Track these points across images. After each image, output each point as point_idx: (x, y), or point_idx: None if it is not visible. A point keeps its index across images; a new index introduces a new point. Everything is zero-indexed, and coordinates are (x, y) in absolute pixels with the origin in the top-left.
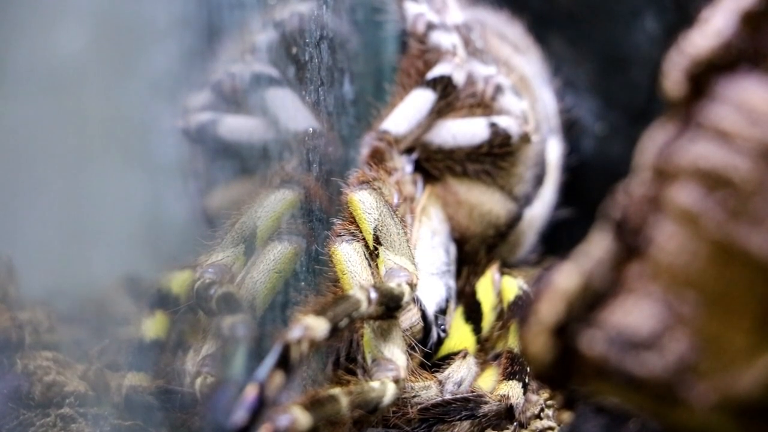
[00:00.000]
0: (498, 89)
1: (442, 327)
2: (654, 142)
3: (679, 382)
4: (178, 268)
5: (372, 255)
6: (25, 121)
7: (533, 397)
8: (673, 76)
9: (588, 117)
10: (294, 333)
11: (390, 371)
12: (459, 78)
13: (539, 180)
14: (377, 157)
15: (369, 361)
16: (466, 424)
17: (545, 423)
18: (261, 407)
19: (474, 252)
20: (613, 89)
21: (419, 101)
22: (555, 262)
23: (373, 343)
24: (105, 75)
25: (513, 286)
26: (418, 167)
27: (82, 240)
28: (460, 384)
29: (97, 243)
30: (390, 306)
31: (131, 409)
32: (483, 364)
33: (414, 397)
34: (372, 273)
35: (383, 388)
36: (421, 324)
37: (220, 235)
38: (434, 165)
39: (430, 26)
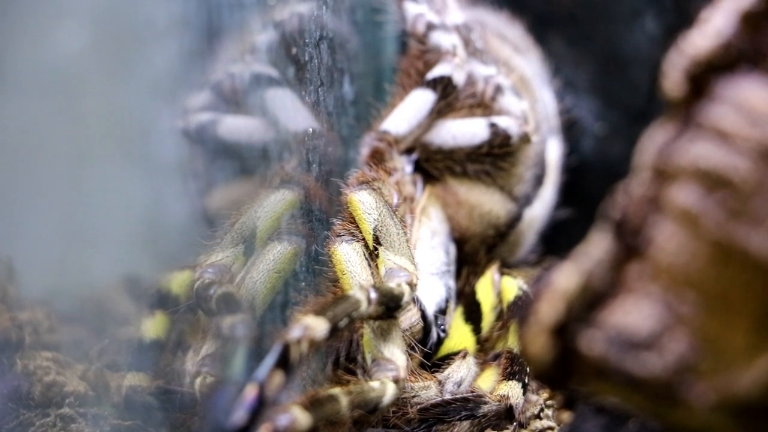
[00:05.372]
0: (498, 89)
1: (442, 327)
2: (654, 142)
3: (678, 382)
4: (178, 269)
5: (372, 255)
6: (25, 121)
7: (533, 397)
8: (673, 77)
9: (588, 117)
10: (294, 333)
11: (390, 371)
12: (459, 78)
13: (539, 180)
14: (377, 158)
15: (369, 361)
16: (465, 424)
17: (545, 423)
18: (261, 407)
19: (474, 252)
20: (613, 89)
21: (419, 101)
22: (555, 262)
23: (373, 343)
24: (105, 75)
25: (513, 286)
26: (418, 167)
27: (82, 240)
28: (459, 384)
29: (97, 243)
30: (390, 306)
31: (131, 409)
32: (483, 365)
33: (414, 397)
34: (372, 273)
35: (383, 388)
36: (421, 324)
37: (220, 235)
38: (434, 165)
39: (430, 27)
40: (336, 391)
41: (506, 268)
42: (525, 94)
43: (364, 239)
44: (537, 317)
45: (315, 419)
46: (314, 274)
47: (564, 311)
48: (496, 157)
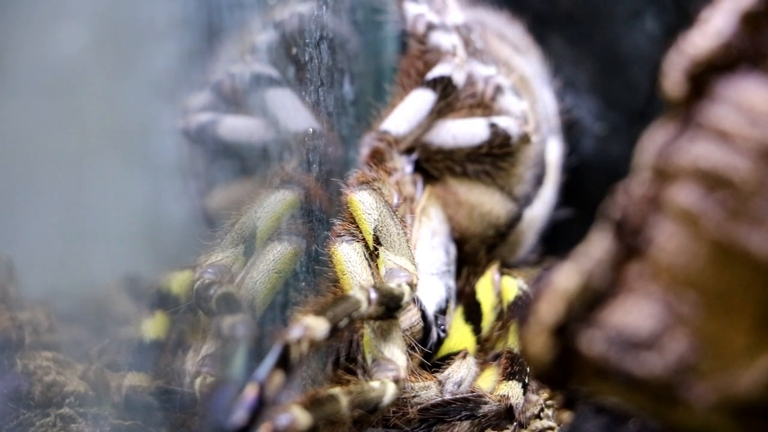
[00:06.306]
0: (498, 89)
1: (442, 327)
2: (654, 142)
3: (678, 382)
4: (178, 269)
5: (372, 255)
6: (25, 121)
7: (533, 397)
8: (673, 77)
9: (588, 117)
10: (294, 333)
11: (390, 371)
12: (459, 78)
13: (539, 180)
14: (377, 158)
15: (369, 361)
16: (465, 424)
17: (545, 423)
18: (261, 407)
19: (474, 252)
20: (613, 89)
21: (419, 101)
22: (555, 262)
23: (373, 343)
24: (105, 75)
25: (513, 286)
26: (418, 167)
27: (82, 240)
28: (459, 384)
29: (97, 243)
30: (390, 306)
31: (131, 409)
32: (483, 364)
33: (414, 397)
34: (372, 273)
35: (383, 388)
36: (421, 324)
37: (220, 235)
38: (434, 165)
39: (430, 27)
40: (336, 391)
41: (506, 268)
42: (525, 94)
43: (364, 239)
44: (537, 317)
45: (315, 419)
46: (314, 274)
47: (564, 311)
48: (496, 157)
